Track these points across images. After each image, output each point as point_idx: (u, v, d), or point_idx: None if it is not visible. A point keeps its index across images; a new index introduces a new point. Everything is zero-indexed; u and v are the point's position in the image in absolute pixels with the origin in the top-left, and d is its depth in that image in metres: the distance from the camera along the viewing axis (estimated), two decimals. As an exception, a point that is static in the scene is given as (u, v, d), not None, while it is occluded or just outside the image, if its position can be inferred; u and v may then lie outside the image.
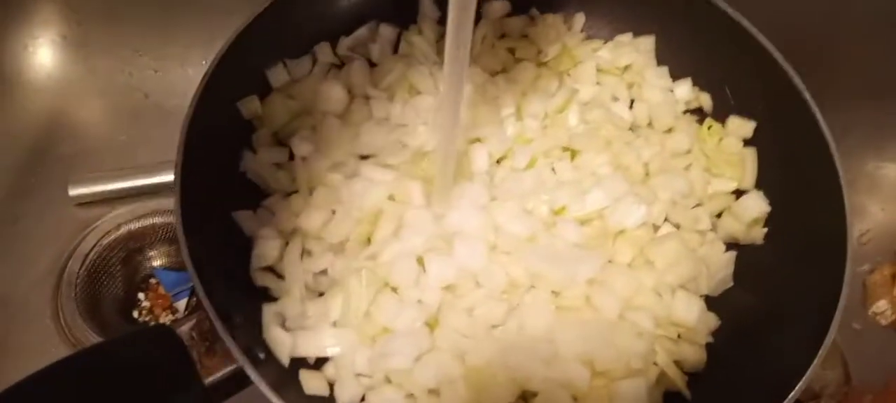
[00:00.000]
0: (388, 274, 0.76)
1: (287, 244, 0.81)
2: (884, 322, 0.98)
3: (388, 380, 0.74)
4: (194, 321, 0.71)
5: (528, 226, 0.80)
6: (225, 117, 0.86)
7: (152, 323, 1.00)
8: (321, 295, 0.79)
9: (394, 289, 0.77)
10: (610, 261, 0.80)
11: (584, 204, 0.82)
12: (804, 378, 0.68)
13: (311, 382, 0.74)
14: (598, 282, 0.78)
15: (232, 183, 0.85)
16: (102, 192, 1.04)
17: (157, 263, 1.05)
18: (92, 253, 1.01)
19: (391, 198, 0.82)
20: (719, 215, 0.88)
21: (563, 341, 0.74)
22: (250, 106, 0.87)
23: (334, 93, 0.90)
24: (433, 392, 0.73)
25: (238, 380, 0.69)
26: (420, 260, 0.78)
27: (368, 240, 0.81)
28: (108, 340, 0.93)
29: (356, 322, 0.75)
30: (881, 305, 0.98)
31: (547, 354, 0.73)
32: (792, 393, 0.67)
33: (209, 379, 0.68)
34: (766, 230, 0.85)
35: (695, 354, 0.78)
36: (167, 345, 0.69)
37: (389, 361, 0.72)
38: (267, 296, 0.79)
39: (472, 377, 0.72)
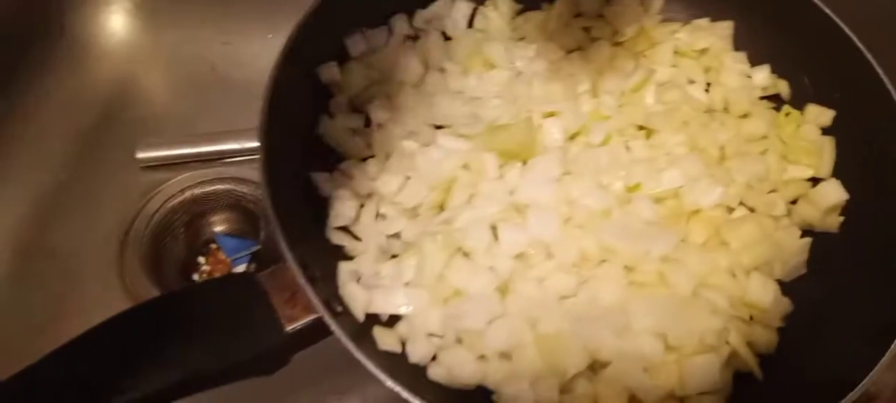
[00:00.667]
0: (462, 239, 0.77)
1: (362, 206, 0.83)
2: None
3: (459, 341, 0.75)
4: (274, 271, 0.73)
5: (602, 201, 0.80)
6: (304, 82, 0.88)
7: (221, 281, 1.02)
8: (393, 257, 0.80)
9: (466, 255, 0.78)
10: (683, 240, 0.80)
11: (660, 183, 0.82)
12: (870, 376, 0.67)
13: (385, 338, 0.75)
14: (672, 260, 0.77)
15: (309, 146, 0.87)
16: (168, 157, 1.06)
17: (218, 228, 1.06)
18: (157, 215, 1.03)
19: (466, 167, 0.83)
20: (794, 202, 0.87)
21: (636, 314, 0.74)
22: (329, 72, 0.89)
23: (410, 64, 0.92)
24: (505, 355, 0.74)
25: (317, 331, 0.70)
26: (493, 229, 0.78)
27: (441, 207, 0.82)
28: (193, 283, 0.96)
29: (430, 283, 0.76)
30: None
31: (619, 326, 0.73)
32: (854, 391, 0.66)
33: (290, 327, 0.70)
34: (842, 219, 0.84)
35: (766, 336, 0.77)
36: (252, 292, 0.71)
37: (462, 322, 0.73)
38: (342, 255, 0.81)
39: (542, 343, 0.73)
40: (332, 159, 0.88)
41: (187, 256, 1.04)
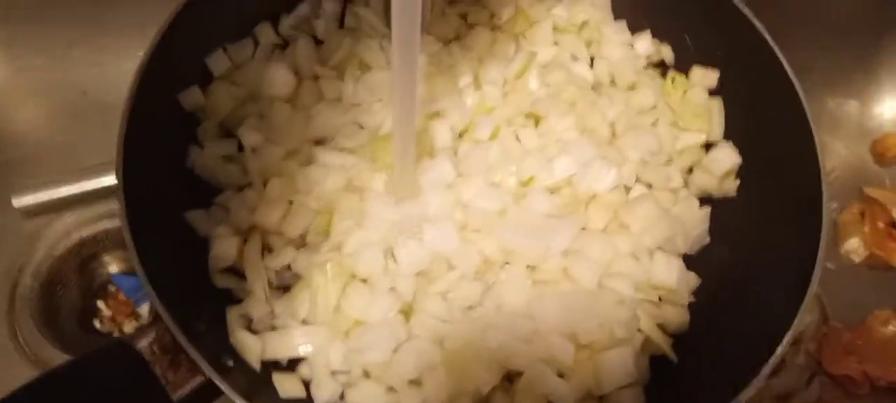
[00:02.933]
0: (354, 265, 0.72)
1: (245, 241, 0.77)
2: (856, 259, 0.98)
3: (366, 375, 0.71)
4: (154, 334, 0.66)
5: (496, 201, 0.76)
6: (166, 112, 0.80)
7: (115, 333, 0.95)
8: (288, 290, 0.74)
9: (364, 280, 0.73)
10: (584, 229, 0.78)
11: (553, 173, 0.79)
12: (791, 330, 0.66)
13: (286, 384, 0.70)
14: (574, 252, 0.75)
15: (181, 181, 0.80)
16: (48, 200, 0.96)
17: (113, 269, 0.99)
18: (44, 265, 0.95)
19: (350, 185, 0.77)
20: (690, 171, 0.86)
21: (543, 316, 0.71)
22: (192, 97, 0.81)
23: (280, 76, 0.85)
24: (414, 382, 0.70)
25: (208, 392, 0.64)
26: (389, 248, 0.74)
27: (328, 232, 0.76)
28: (61, 364, 0.87)
29: (326, 317, 0.71)
30: (852, 243, 0.97)
31: (527, 331, 0.71)
32: (779, 348, 0.66)
33: (177, 395, 0.64)
34: (738, 181, 0.84)
35: (678, 316, 0.77)
36: (127, 363, 0.64)
37: (365, 355, 0.69)
38: (231, 298, 0.75)
39: (452, 361, 0.69)
40: (208, 193, 0.80)
41: (84, 303, 0.96)
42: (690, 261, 0.80)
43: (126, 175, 0.68)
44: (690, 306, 0.77)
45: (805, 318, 0.87)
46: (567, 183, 0.80)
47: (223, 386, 0.62)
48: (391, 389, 0.69)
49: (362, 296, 0.72)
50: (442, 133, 0.81)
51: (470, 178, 0.78)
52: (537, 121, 0.85)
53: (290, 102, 0.84)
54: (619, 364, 0.69)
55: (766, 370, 0.66)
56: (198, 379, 0.64)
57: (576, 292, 0.73)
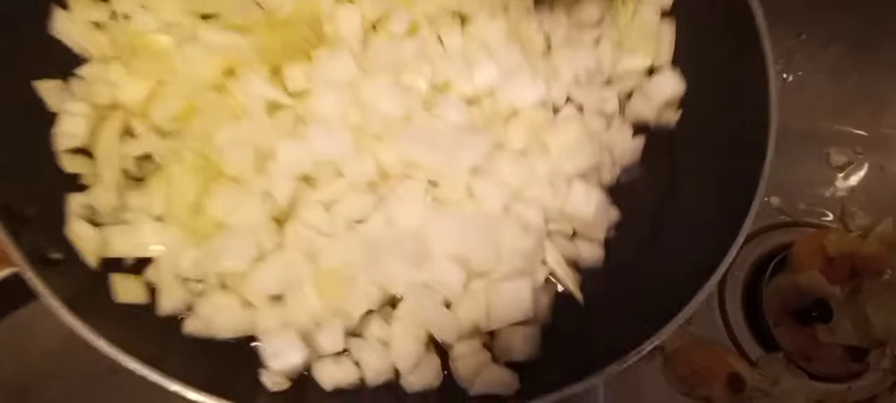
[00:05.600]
0: (222, 159, 0.62)
1: (104, 121, 0.65)
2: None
3: (224, 286, 0.61)
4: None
5: (401, 104, 0.66)
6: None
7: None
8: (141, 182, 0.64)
9: (234, 180, 0.63)
10: (499, 147, 0.68)
11: (472, 80, 0.69)
12: (714, 277, 0.58)
13: (126, 286, 0.60)
14: (483, 171, 0.65)
15: (38, 47, 0.68)
16: None
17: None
18: None
19: (230, 70, 0.66)
20: (629, 96, 0.76)
21: (437, 238, 0.62)
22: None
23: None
24: (276, 298, 0.60)
25: (19, 289, 0.54)
26: (269, 147, 0.63)
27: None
28: None
29: (182, 214, 0.61)
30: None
31: (416, 253, 0.61)
32: (697, 296, 0.58)
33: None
34: (680, 112, 0.74)
35: (591, 252, 0.68)
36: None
37: (221, 261, 0.59)
38: (78, 186, 0.64)
39: (324, 280, 0.60)
40: (70, 63, 0.69)
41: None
42: (614, 193, 0.71)
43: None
44: (606, 242, 0.68)
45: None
46: (487, 93, 0.69)
47: (34, 279, 0.52)
48: (248, 304, 0.60)
49: (228, 196, 0.61)
50: (350, 21, 0.70)
51: (375, 76, 0.67)
52: (464, 20, 0.74)
53: (179, -32, 0.72)
54: (514, 297, 0.60)
55: (678, 319, 0.57)
56: (5, 270, 0.54)
57: (476, 215, 0.63)
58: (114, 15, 0.70)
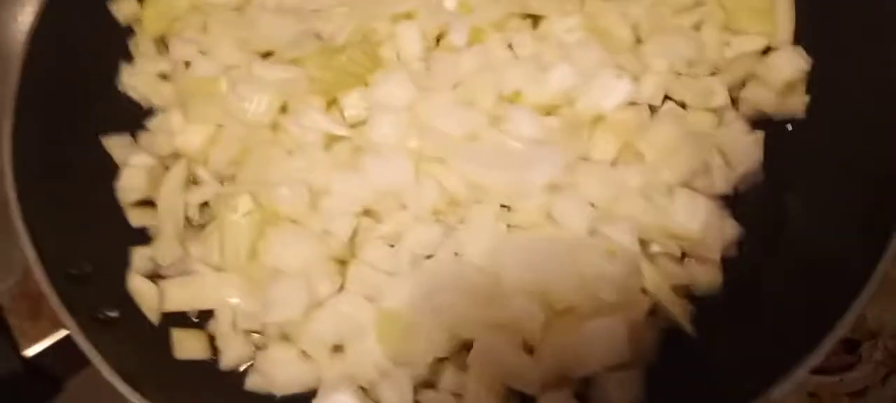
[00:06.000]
0: (274, 199, 0.57)
1: (168, 171, 0.64)
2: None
3: (285, 338, 0.56)
4: (20, 276, 0.54)
5: (464, 122, 0.59)
6: (92, 23, 0.68)
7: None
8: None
9: (292, 221, 0.58)
10: (582, 159, 0.59)
11: (546, 86, 0.60)
12: (858, 301, 0.45)
13: (187, 343, 0.57)
14: (563, 188, 0.56)
15: (106, 103, 0.68)
16: None
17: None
18: None
19: (284, 107, 0.62)
20: (743, 86, 0.64)
21: (509, 271, 0.53)
22: (126, 7, 0.69)
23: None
24: (338, 349, 0.54)
25: (73, 353, 0.52)
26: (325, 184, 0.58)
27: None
28: None
29: (237, 263, 0.57)
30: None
31: (487, 289, 0.53)
32: (840, 325, 0.45)
33: (28, 351, 0.52)
34: (807, 98, 0.61)
35: (705, 275, 0.56)
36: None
37: (271, 312, 0.54)
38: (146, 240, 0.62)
39: (384, 325, 0.53)
40: (138, 117, 0.68)
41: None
42: (731, 203, 0.59)
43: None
44: (724, 263, 0.56)
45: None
46: (565, 99, 0.60)
47: (81, 343, 0.50)
48: (305, 355, 0.54)
49: (283, 239, 0.57)
50: (410, 39, 0.64)
51: (433, 95, 0.61)
52: (536, 22, 0.66)
53: (238, 11, 0.70)
54: (605, 335, 0.50)
55: (819, 354, 0.45)
56: (59, 333, 0.52)
57: (555, 240, 0.54)
58: (176, 64, 0.69)
